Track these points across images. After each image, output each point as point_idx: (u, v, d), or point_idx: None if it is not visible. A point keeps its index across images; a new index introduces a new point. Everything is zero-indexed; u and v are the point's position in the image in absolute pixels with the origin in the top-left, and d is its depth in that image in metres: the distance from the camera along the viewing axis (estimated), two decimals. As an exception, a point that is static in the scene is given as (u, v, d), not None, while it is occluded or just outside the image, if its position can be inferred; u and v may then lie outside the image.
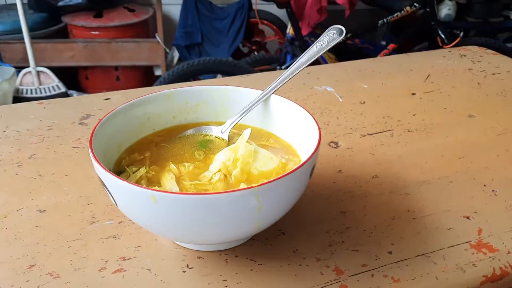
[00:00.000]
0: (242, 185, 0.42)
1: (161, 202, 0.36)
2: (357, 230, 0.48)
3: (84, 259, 0.44)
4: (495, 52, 0.98)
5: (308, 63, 0.51)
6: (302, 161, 0.39)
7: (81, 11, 2.44)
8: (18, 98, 2.19)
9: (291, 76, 0.51)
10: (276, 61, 2.20)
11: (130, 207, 0.39)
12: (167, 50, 2.48)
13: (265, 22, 2.49)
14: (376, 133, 0.66)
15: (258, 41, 2.59)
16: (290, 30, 2.15)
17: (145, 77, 2.53)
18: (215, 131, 0.51)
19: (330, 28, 0.52)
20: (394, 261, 0.44)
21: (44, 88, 2.24)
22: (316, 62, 0.60)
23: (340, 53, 2.25)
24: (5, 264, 0.43)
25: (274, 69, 2.17)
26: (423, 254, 0.45)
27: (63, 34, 2.47)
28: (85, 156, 0.59)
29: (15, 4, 2.09)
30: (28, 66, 2.21)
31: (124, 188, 0.37)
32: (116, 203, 0.40)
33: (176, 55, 2.53)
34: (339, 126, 0.68)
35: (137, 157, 0.47)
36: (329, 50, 0.73)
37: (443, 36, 1.99)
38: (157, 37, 2.37)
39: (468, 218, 0.50)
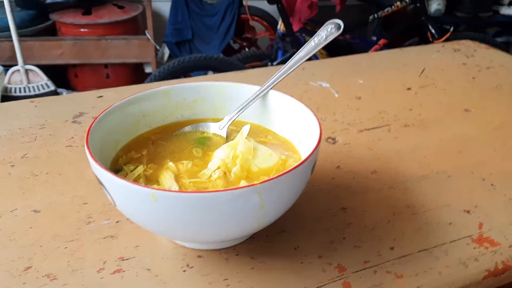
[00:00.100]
0: (243, 183, 0.42)
1: (161, 200, 0.35)
2: (358, 226, 0.47)
3: (82, 260, 0.43)
4: (488, 46, 0.98)
5: (306, 58, 0.50)
6: (303, 157, 0.38)
7: (69, 8, 2.40)
8: (6, 97, 2.16)
9: (290, 71, 0.50)
10: (267, 57, 2.19)
11: (130, 206, 0.38)
12: (157, 47, 2.46)
13: (256, 18, 2.48)
14: (373, 128, 0.66)
15: (249, 37, 2.57)
16: (281, 26, 2.14)
17: (135, 74, 2.50)
18: (213, 128, 0.51)
19: (327, 22, 0.51)
20: (396, 257, 0.44)
21: (33, 87, 2.21)
22: (308, 58, 0.60)
23: (331, 48, 2.25)
24: (0, 267, 0.42)
25: (266, 65, 2.16)
26: (425, 250, 0.45)
27: (52, 31, 2.43)
28: (79, 155, 0.58)
29: (2, 2, 2.06)
30: (16, 64, 2.18)
31: (124, 187, 0.36)
32: (115, 202, 0.39)
33: (166, 52, 2.51)
34: (335, 122, 0.67)
35: (134, 155, 0.47)
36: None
37: (433, 31, 2.00)
38: (147, 34, 2.34)
39: (468, 212, 0.50)
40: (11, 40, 2.13)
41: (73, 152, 0.59)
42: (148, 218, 0.38)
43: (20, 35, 2.13)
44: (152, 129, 0.51)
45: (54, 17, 2.38)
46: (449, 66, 0.88)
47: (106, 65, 2.42)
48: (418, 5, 2.02)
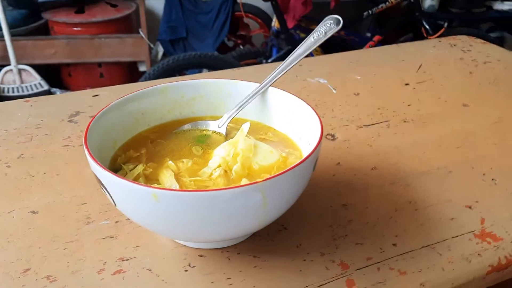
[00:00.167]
0: (244, 181, 0.41)
1: (162, 200, 0.34)
2: (360, 223, 0.47)
3: (81, 261, 0.42)
4: (484, 41, 0.98)
5: (305, 54, 0.50)
6: (304, 154, 0.38)
7: (62, 7, 2.38)
8: (-1, 97, 2.14)
9: (289, 67, 0.50)
10: (262, 54, 2.18)
11: (130, 205, 0.37)
12: (151, 46, 2.45)
13: (250, 15, 2.47)
14: (372, 124, 0.65)
15: (243, 34, 2.57)
16: (275, 23, 2.13)
17: (129, 73, 2.49)
18: (212, 126, 0.50)
19: (326, 18, 0.51)
20: (399, 253, 0.43)
21: (26, 86, 2.19)
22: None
23: (326, 45, 2.24)
24: (-1, 269, 0.41)
25: (260, 62, 2.16)
26: (428, 246, 0.44)
27: (44, 30, 2.41)
28: (76, 155, 0.58)
29: (-6, 1, 2.04)
30: (8, 64, 2.16)
31: (124, 187, 0.35)
32: (115, 202, 0.38)
33: (160, 50, 2.50)
34: (334, 118, 0.67)
35: (133, 154, 0.46)
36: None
37: (427, 27, 2.00)
38: (141, 33, 2.33)
39: (470, 207, 0.50)
40: (3, 40, 2.11)
41: (70, 152, 0.58)
42: (149, 217, 0.38)
43: (12, 35, 2.11)
44: (150, 128, 0.50)
45: (46, 16, 2.36)
46: (446, 61, 0.88)
47: (99, 64, 2.41)
48: (412, 1, 2.02)
